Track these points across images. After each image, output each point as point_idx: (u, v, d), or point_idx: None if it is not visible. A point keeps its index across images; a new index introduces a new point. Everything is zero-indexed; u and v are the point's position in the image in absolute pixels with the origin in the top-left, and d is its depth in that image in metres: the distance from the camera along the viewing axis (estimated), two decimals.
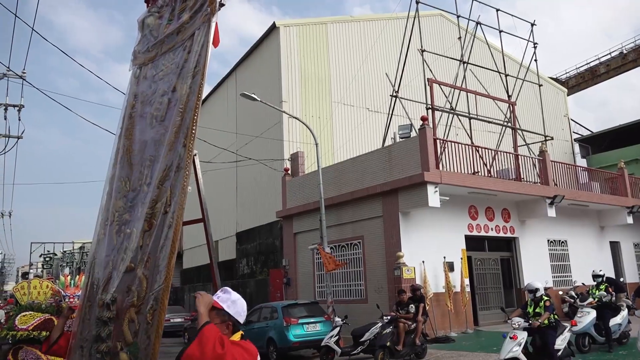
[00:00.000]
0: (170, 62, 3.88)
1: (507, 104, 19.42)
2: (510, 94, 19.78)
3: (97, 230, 3.77)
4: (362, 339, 11.54)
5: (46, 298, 15.22)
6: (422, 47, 17.28)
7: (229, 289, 2.65)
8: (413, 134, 16.31)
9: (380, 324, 11.41)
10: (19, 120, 19.86)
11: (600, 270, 11.96)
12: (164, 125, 3.65)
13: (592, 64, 36.60)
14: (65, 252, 26.26)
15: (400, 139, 16.39)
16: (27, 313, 12.36)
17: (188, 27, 3.82)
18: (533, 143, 20.78)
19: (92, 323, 3.35)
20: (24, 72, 16.97)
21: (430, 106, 16.08)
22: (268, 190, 22.28)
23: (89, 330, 3.36)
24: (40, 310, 12.68)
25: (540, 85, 21.62)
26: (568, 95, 35.08)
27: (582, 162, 31.30)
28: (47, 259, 23.19)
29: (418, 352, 11.60)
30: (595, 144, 33.69)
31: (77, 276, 13.33)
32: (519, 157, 17.92)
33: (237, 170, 25.01)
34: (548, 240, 19.04)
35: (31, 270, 24.02)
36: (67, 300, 12.20)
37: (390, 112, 18.27)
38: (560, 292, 17.91)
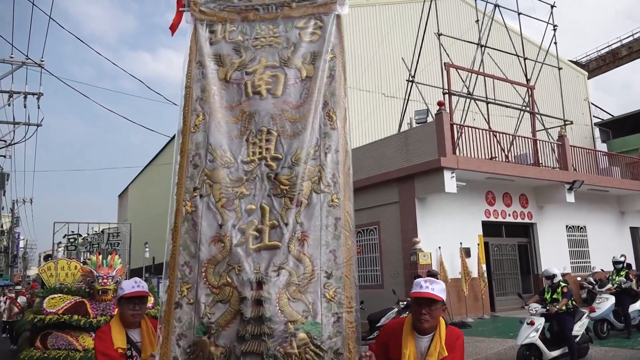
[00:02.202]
0: (274, 34, 3.59)
1: (526, 88, 19.12)
2: (529, 77, 19.46)
3: (175, 202, 3.25)
4: (378, 324, 11.59)
5: (74, 280, 14.99)
6: (438, 30, 17.05)
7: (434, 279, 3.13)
8: (429, 119, 16.18)
9: (396, 309, 11.45)
10: (38, 108, 20.10)
11: (622, 257, 11.81)
12: (284, 101, 3.38)
13: (613, 46, 35.78)
14: (92, 233, 26.16)
15: (417, 124, 16.27)
16: (55, 296, 12.08)
17: (297, 7, 3.62)
18: (552, 128, 20.47)
19: (232, 306, 2.95)
20: (42, 61, 17.15)
21: (447, 91, 15.90)
22: None
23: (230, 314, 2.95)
24: (71, 293, 12.49)
25: (560, 69, 21.23)
26: (588, 78, 34.39)
27: (602, 147, 30.76)
28: (71, 239, 23.14)
29: None
30: (616, 128, 33.07)
31: (109, 256, 13.13)
32: (538, 142, 17.69)
33: None
34: (566, 226, 18.84)
35: (59, 249, 23.77)
36: (100, 281, 12.03)
37: (407, 97, 18.12)
38: (579, 278, 17.75)
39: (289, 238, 3.07)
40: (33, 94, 17.90)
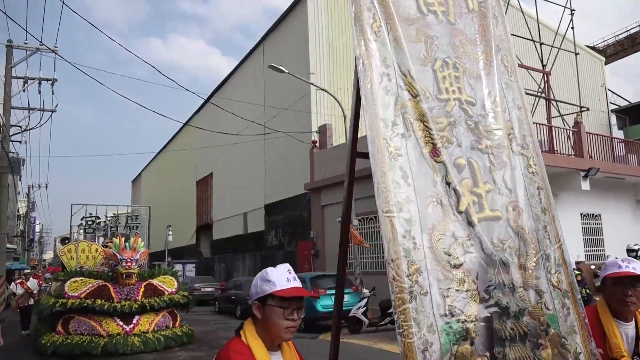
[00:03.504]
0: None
1: (541, 74, 18.84)
2: (544, 63, 19.16)
3: (371, 138, 2.33)
4: (390, 310, 11.62)
5: (95, 263, 14.77)
6: None
7: None
8: None
9: None
10: (53, 94, 20.27)
11: (635, 245, 11.69)
12: (460, 31, 2.79)
13: (632, 31, 35.10)
14: (110, 216, 25.78)
15: None
16: (77, 279, 11.88)
17: None
18: (568, 114, 20.19)
19: (473, 295, 2.18)
20: (56, 47, 17.24)
21: None
22: (296, 162, 22.32)
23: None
24: (93, 276, 12.25)
25: (576, 54, 20.87)
26: (606, 64, 33.82)
27: (618, 134, 30.30)
28: (89, 222, 22.80)
29: None
30: (633, 115, 32.53)
31: (132, 239, 12.83)
32: (553, 128, 17.47)
33: (265, 143, 25.10)
34: (581, 214, 18.65)
35: (80, 231, 23.41)
36: (124, 264, 11.83)
37: None
38: (593, 267, 17.59)
39: (505, 207, 2.48)
40: (47, 80, 18.01)
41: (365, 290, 13.07)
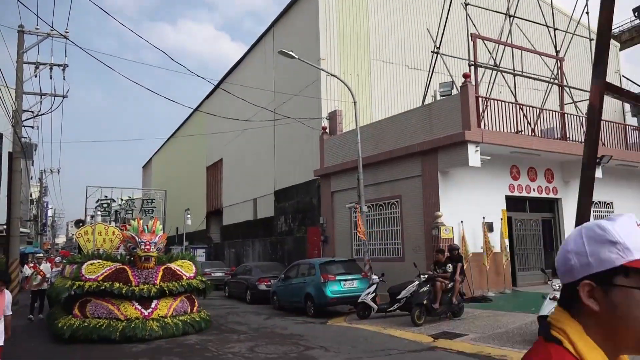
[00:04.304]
0: None
1: (555, 60, 18.59)
2: (558, 49, 18.90)
3: None
4: (399, 297, 11.66)
5: (112, 246, 14.66)
6: (465, 0, 16.60)
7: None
8: (454, 91, 15.89)
9: (417, 283, 11.47)
10: (64, 79, 20.35)
11: None
12: None
13: None
14: (124, 200, 25.26)
15: (441, 97, 16.00)
16: (94, 261, 11.62)
17: None
18: (581, 101, 19.92)
19: None
20: (67, 32, 17.27)
21: (473, 63, 15.55)
22: (306, 148, 22.30)
23: None
24: (110, 259, 12.04)
25: (591, 40, 20.54)
26: (620, 50, 33.29)
27: (632, 121, 29.91)
28: (104, 204, 22.49)
29: (455, 310, 11.64)
30: None
31: (150, 222, 12.49)
32: (566, 115, 17.28)
33: (275, 129, 25.07)
34: (593, 202, 18.48)
35: (98, 213, 23.01)
36: (142, 247, 11.58)
37: (431, 69, 17.79)
38: None
39: None
40: (58, 65, 18.07)
41: (374, 277, 13.11)
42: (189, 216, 29.08)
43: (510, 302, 13.60)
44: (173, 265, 12.15)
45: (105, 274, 11.13)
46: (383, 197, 16.80)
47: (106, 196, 22.64)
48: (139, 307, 11.04)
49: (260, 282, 17.79)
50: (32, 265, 15.49)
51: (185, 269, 12.32)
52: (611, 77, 30.23)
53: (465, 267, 12.89)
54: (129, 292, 10.86)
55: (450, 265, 11.80)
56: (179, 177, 44.44)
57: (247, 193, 29.67)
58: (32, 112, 19.27)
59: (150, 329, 10.61)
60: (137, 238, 11.43)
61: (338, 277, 13.71)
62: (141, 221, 12.26)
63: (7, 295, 6.49)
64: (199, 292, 12.63)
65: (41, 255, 19.27)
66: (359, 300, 12.68)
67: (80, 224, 22.50)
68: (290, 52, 15.77)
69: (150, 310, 11.10)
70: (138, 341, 10.40)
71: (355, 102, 15.72)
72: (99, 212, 22.57)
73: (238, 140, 30.21)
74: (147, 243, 11.40)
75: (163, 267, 11.81)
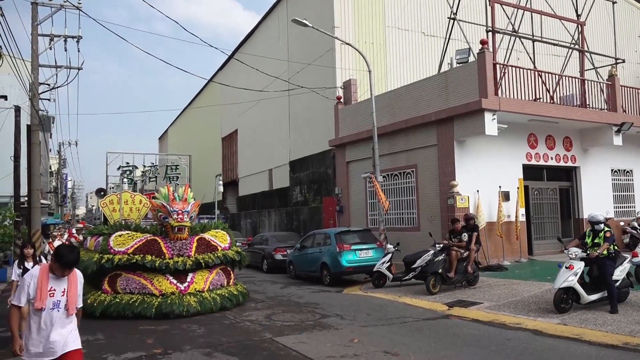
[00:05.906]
0: None
1: (576, 25, 18.08)
2: (579, 13, 18.36)
3: None
4: (414, 266, 11.72)
5: (140, 216, 13.88)
6: None
7: None
8: (471, 58, 15.59)
9: (432, 252, 11.50)
10: (78, 51, 20.35)
11: None
12: None
13: None
14: (148, 166, 23.77)
15: (458, 64, 15.71)
16: (123, 233, 10.54)
17: None
18: (602, 67, 19.45)
19: None
20: (80, 3, 17.18)
21: (491, 28, 15.19)
22: (320, 118, 22.20)
23: None
24: (140, 230, 10.80)
25: (614, 3, 19.91)
26: None
27: None
28: (126, 171, 21.25)
29: (470, 279, 11.69)
30: None
31: (181, 188, 11.30)
32: (586, 81, 16.89)
33: (290, 99, 24.95)
34: (612, 170, 18.23)
35: (122, 180, 21.54)
36: (175, 217, 10.08)
37: (448, 36, 17.43)
38: (622, 223, 17.32)
39: None
40: (72, 37, 18.05)
41: (389, 246, 13.18)
42: (220, 182, 28.15)
43: (525, 271, 13.60)
44: (207, 236, 11.24)
45: (135, 245, 10.29)
46: (398, 167, 16.73)
47: (127, 162, 21.49)
48: (174, 281, 10.22)
49: (276, 251, 17.98)
50: (49, 242, 14.82)
51: (220, 239, 11.49)
52: (634, 42, 29.37)
53: (480, 237, 12.87)
54: (162, 265, 10.03)
55: (465, 234, 11.79)
56: (195, 148, 44.65)
57: (262, 164, 29.77)
58: (49, 84, 19.37)
59: (187, 304, 9.83)
60: (168, 207, 10.46)
61: (353, 247, 13.80)
62: (171, 188, 11.25)
63: (79, 277, 4.25)
64: (235, 264, 11.78)
65: (57, 233, 18.74)
66: (374, 269, 12.78)
67: (102, 193, 21.59)
68: (304, 21, 15.54)
69: (186, 284, 10.27)
70: (175, 317, 9.61)
71: (370, 71, 15.52)
72: (124, 180, 21.19)
73: (253, 111, 30.15)
74: (180, 212, 10.39)
75: (197, 238, 10.90)
